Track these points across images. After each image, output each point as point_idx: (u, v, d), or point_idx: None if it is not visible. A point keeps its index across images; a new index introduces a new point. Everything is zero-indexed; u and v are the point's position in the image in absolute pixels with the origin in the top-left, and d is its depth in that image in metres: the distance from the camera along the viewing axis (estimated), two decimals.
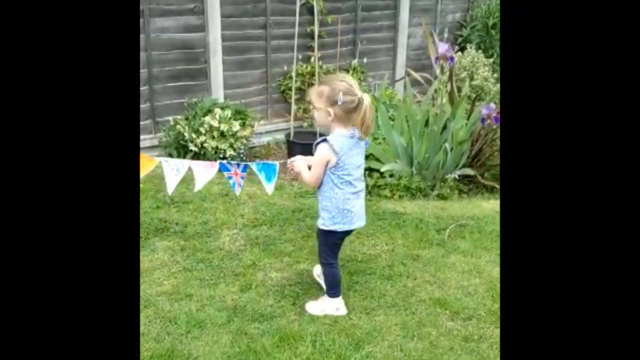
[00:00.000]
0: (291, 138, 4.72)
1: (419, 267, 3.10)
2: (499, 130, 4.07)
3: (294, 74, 4.86)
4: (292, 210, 3.80)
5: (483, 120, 3.64)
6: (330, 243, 2.59)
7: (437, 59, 3.72)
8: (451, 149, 4.00)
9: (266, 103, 5.30)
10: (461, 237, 3.44)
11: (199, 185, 2.59)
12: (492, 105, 3.63)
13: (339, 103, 2.34)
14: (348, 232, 2.60)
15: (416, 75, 4.68)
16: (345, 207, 2.48)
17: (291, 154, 4.76)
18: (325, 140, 2.42)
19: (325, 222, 2.52)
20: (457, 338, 2.49)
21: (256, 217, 3.65)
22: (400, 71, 5.99)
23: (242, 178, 2.67)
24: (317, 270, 2.89)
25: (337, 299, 2.68)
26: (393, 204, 3.89)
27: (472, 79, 5.16)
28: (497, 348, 2.42)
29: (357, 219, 2.56)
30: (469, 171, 4.07)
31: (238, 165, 2.65)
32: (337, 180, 2.45)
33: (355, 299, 2.79)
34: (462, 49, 5.67)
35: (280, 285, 2.88)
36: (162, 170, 2.54)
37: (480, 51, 5.58)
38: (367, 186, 4.11)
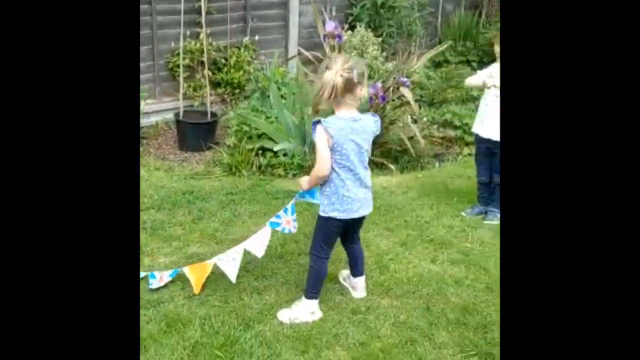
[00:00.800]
0: (181, 118, 4.57)
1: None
2: (386, 108, 4.19)
3: (181, 51, 4.69)
4: (183, 192, 3.70)
5: (371, 99, 3.72)
6: (327, 231, 2.45)
7: (325, 37, 3.75)
8: None
9: (153, 81, 5.08)
10: None
11: (260, 252, 2.70)
12: (379, 84, 3.73)
13: (359, 82, 2.27)
14: (349, 222, 2.45)
15: (307, 53, 4.69)
16: (344, 193, 2.36)
17: (181, 134, 4.61)
18: (318, 122, 2.32)
19: (324, 208, 2.40)
20: (346, 311, 2.56)
21: (143, 201, 3.51)
22: (292, 49, 5.97)
23: (295, 220, 2.73)
24: (344, 274, 2.76)
25: (313, 302, 2.50)
26: (287, 183, 3.90)
27: (361, 57, 5.25)
28: (383, 318, 2.52)
29: (360, 207, 2.42)
30: None
31: (285, 211, 2.72)
32: (335, 165, 2.33)
33: (247, 279, 2.78)
34: (352, 28, 5.74)
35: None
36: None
37: (369, 30, 5.68)
38: (260, 166, 4.09)
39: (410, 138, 4.25)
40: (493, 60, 6.55)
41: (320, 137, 2.31)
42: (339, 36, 3.79)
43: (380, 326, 2.47)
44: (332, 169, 2.34)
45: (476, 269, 2.93)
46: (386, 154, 4.37)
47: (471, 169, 4.29)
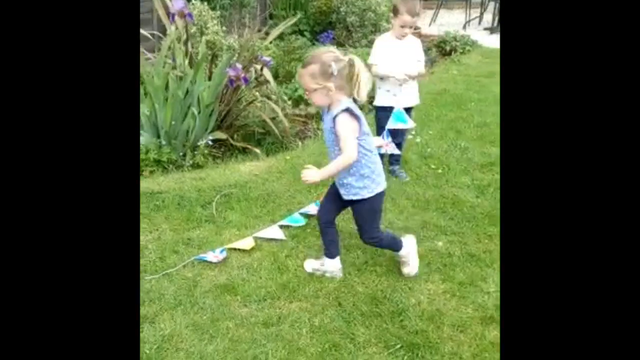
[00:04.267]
0: None
1: (193, 252, 2.81)
2: (245, 90, 3.91)
3: None
4: None
5: (232, 82, 3.41)
6: (378, 208, 2.55)
7: (173, 15, 3.32)
8: (199, 113, 3.70)
9: None
10: (229, 209, 3.23)
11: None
12: (238, 65, 3.43)
13: (335, 74, 2.24)
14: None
15: (146, 32, 4.16)
16: (379, 168, 2.50)
17: None
18: (343, 110, 2.29)
19: (370, 189, 2.46)
20: (257, 326, 2.32)
21: None
22: None
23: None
24: (310, 264, 2.71)
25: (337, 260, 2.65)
26: (146, 183, 3.45)
27: (202, 33, 4.84)
28: (298, 326, 2.33)
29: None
30: (220, 134, 3.85)
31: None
32: (367, 146, 2.40)
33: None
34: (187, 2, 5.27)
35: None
36: None
37: (205, 3, 5.27)
38: None
39: (272, 119, 4.03)
40: (329, 29, 6.54)
41: (350, 124, 2.32)
42: (190, 15, 3.38)
43: (298, 336, 2.28)
44: (367, 150, 2.40)
45: (372, 252, 2.87)
46: (248, 137, 4.11)
47: None
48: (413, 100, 3.64)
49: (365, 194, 2.47)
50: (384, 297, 2.54)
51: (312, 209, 3.15)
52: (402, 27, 3.42)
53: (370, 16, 6.52)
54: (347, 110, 2.30)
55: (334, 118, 2.32)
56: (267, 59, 3.63)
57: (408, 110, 3.59)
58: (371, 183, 2.47)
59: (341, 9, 6.54)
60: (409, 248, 2.67)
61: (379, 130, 3.60)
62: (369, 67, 3.46)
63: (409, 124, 3.39)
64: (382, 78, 3.51)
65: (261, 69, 3.73)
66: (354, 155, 2.33)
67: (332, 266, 2.65)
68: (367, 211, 2.54)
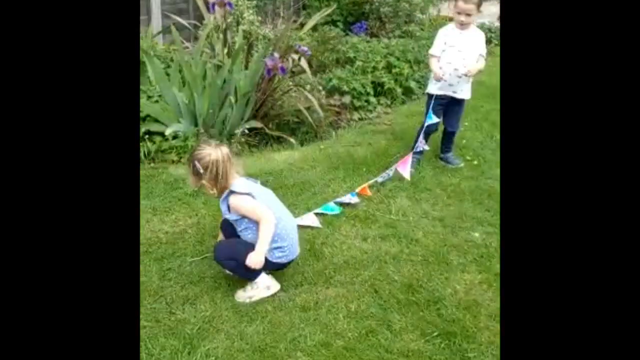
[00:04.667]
0: None
1: None
2: (281, 80, 3.94)
3: None
4: None
5: (269, 71, 3.45)
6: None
7: (213, 5, 3.36)
8: (235, 102, 3.75)
9: None
10: None
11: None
12: (276, 55, 3.46)
13: (202, 172, 2.34)
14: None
15: (184, 21, 4.22)
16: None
17: None
18: (228, 194, 2.38)
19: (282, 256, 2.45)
20: (295, 309, 2.36)
21: None
22: (156, 17, 5.38)
23: None
24: (240, 296, 2.45)
25: (263, 275, 2.42)
26: (184, 169, 3.51)
27: (238, 23, 4.89)
28: (335, 311, 2.36)
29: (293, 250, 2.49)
30: (256, 123, 3.89)
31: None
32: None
33: (173, 289, 2.45)
34: None
35: None
36: None
37: None
38: (149, 152, 3.64)
39: (307, 108, 4.06)
40: (362, 20, 6.54)
41: (241, 201, 2.36)
42: (229, 3, 3.42)
43: (335, 321, 2.31)
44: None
45: (407, 241, 2.88)
46: (283, 127, 4.14)
47: (368, 135, 4.26)
48: (467, 93, 3.65)
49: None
50: (420, 285, 2.55)
51: (348, 198, 3.18)
52: (458, 14, 3.43)
53: (404, 7, 6.48)
54: (232, 192, 2.36)
55: (228, 204, 2.40)
56: (305, 48, 3.65)
57: (460, 102, 3.59)
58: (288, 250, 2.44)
59: (374, 0, 6.52)
60: (264, 283, 2.42)
61: (425, 114, 3.65)
62: (429, 57, 3.60)
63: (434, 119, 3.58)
64: (441, 67, 3.51)
65: (299, 59, 3.75)
66: (271, 217, 2.32)
67: (262, 282, 2.41)
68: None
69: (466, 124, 4.42)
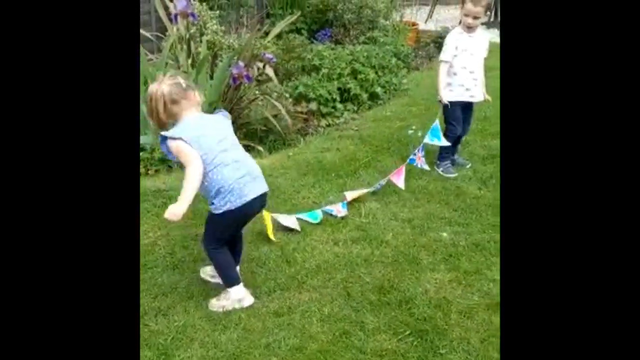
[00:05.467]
0: None
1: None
2: (247, 88, 3.95)
3: None
4: None
5: (235, 80, 3.45)
6: (230, 224, 2.39)
7: (175, 16, 3.36)
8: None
9: None
10: None
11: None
12: (241, 63, 3.47)
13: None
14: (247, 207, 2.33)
15: (146, 34, 4.20)
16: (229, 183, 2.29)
17: None
18: (165, 137, 2.29)
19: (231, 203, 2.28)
20: (268, 315, 2.37)
21: None
22: None
23: None
24: (214, 306, 2.41)
25: (237, 287, 2.39)
26: (152, 181, 3.49)
27: (202, 34, 4.88)
28: (309, 315, 2.38)
29: (249, 190, 2.31)
30: None
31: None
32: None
33: (144, 301, 2.43)
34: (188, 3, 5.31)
35: None
36: None
37: (204, 4, 5.30)
38: None
39: (274, 116, 4.07)
40: (327, 27, 6.59)
41: (176, 145, 2.25)
42: (193, 14, 3.43)
43: (308, 325, 2.32)
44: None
45: (377, 243, 2.92)
46: (251, 135, 4.15)
47: (336, 141, 4.29)
48: (481, 95, 3.70)
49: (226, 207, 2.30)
50: (391, 286, 2.59)
51: (338, 208, 3.19)
52: (466, 16, 3.45)
53: (367, 13, 6.56)
54: (165, 137, 2.27)
55: (167, 146, 2.30)
56: (270, 56, 3.68)
57: (472, 105, 3.71)
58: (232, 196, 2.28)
59: (338, 7, 6.58)
60: (237, 295, 2.39)
61: (448, 125, 3.68)
62: (440, 64, 3.61)
63: (443, 141, 3.54)
64: (455, 73, 3.53)
65: (264, 67, 3.77)
66: (196, 164, 2.21)
67: (235, 294, 2.39)
68: (216, 222, 2.36)
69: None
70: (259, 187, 2.37)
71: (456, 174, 3.68)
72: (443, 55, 3.58)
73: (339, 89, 4.95)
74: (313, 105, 4.60)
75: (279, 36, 6.15)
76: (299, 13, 5.48)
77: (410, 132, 4.41)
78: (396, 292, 2.55)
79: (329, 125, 4.68)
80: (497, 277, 2.67)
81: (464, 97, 3.61)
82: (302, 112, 4.49)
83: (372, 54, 5.39)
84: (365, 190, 3.36)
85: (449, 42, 3.56)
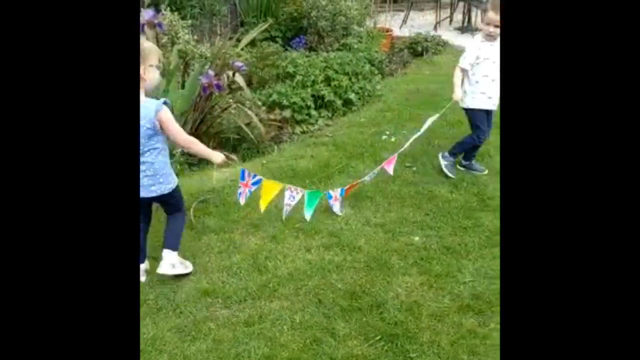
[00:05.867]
0: None
1: None
2: (219, 97, 3.94)
3: None
4: None
5: (205, 89, 3.44)
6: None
7: (142, 26, 3.34)
8: None
9: None
10: (207, 214, 3.26)
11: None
12: (210, 72, 3.46)
13: None
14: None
15: None
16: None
17: None
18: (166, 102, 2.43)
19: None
20: (238, 325, 2.36)
21: None
22: None
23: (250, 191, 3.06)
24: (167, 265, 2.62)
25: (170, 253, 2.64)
26: None
27: (173, 43, 4.86)
28: (279, 323, 2.37)
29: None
30: None
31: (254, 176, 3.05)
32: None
33: None
34: (157, 12, 5.28)
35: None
36: None
37: (175, 13, 5.28)
38: None
39: (247, 124, 4.07)
40: (301, 34, 6.61)
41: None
42: (160, 24, 3.41)
43: (279, 333, 2.31)
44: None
45: (350, 249, 2.92)
46: (224, 144, 4.14)
47: (310, 148, 4.30)
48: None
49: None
50: (363, 291, 2.59)
51: (336, 194, 3.26)
52: (487, 24, 3.44)
53: (340, 20, 6.59)
54: (166, 103, 2.44)
55: (157, 113, 2.38)
56: (240, 64, 3.67)
57: (493, 112, 3.69)
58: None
59: (312, 14, 6.61)
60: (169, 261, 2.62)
61: (475, 129, 3.69)
62: (460, 71, 3.59)
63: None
64: (477, 81, 3.53)
65: (233, 75, 3.76)
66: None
67: (167, 259, 2.63)
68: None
69: (404, 131, 4.52)
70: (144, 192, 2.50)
71: (454, 177, 3.71)
72: (462, 62, 3.55)
73: (312, 96, 4.96)
74: (287, 113, 4.60)
75: (253, 44, 6.16)
76: (271, 21, 5.49)
77: (384, 137, 4.44)
78: (368, 297, 2.55)
79: (303, 133, 4.68)
80: (467, 279, 2.69)
81: (487, 105, 3.59)
82: (275, 120, 4.49)
83: (346, 60, 5.42)
84: (359, 180, 3.39)
85: (470, 50, 3.55)
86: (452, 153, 3.78)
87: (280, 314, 2.42)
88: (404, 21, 8.72)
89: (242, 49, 5.77)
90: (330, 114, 5.02)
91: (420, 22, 8.92)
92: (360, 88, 5.32)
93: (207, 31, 6.26)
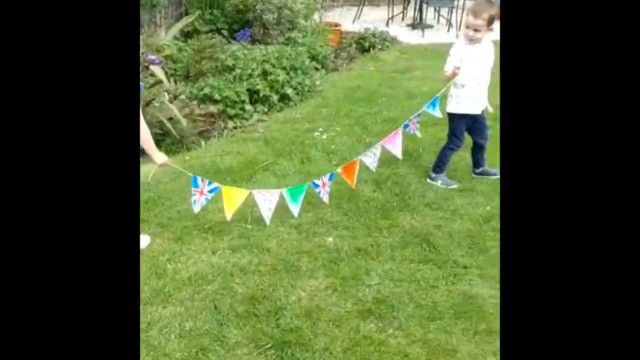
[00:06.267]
0: None
1: None
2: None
3: None
4: None
5: None
6: None
7: None
8: None
9: None
10: None
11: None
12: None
13: None
14: None
15: None
16: None
17: None
18: None
19: None
20: None
21: None
22: None
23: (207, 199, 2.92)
24: None
25: None
26: None
27: None
28: (167, 331, 2.26)
29: None
30: None
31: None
32: None
33: None
34: None
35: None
36: None
37: None
38: None
39: (170, 119, 3.92)
40: (243, 27, 6.46)
41: None
42: None
43: (165, 342, 2.20)
44: None
45: (259, 251, 2.82)
46: None
47: (239, 144, 4.18)
48: (485, 103, 3.57)
49: None
50: (263, 296, 2.50)
51: (324, 180, 3.18)
52: (467, 27, 3.34)
53: (286, 13, 6.47)
54: None
55: None
56: (153, 57, 3.52)
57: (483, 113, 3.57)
58: None
59: (257, 7, 6.47)
60: None
61: (453, 137, 3.56)
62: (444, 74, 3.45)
63: (437, 112, 3.40)
64: (463, 85, 3.40)
65: (147, 68, 3.61)
66: None
67: None
68: None
69: (337, 129, 4.44)
70: None
71: (456, 185, 3.59)
72: (448, 67, 3.42)
73: (248, 90, 4.84)
74: (214, 108, 4.47)
75: (189, 36, 6.00)
76: (198, 12, 5.33)
77: (316, 134, 4.35)
78: (268, 302, 2.46)
79: (235, 128, 4.55)
80: (374, 282, 2.62)
81: (472, 110, 3.47)
82: (203, 115, 4.35)
83: (285, 54, 5.30)
84: (356, 159, 3.29)
85: (453, 54, 3.42)
86: (439, 170, 3.63)
87: (170, 321, 2.31)
88: (357, 16, 8.64)
89: (178, 39, 5.61)
90: (266, 109, 4.90)
91: (373, 18, 8.85)
92: (299, 83, 5.21)
93: (146, 22, 6.06)
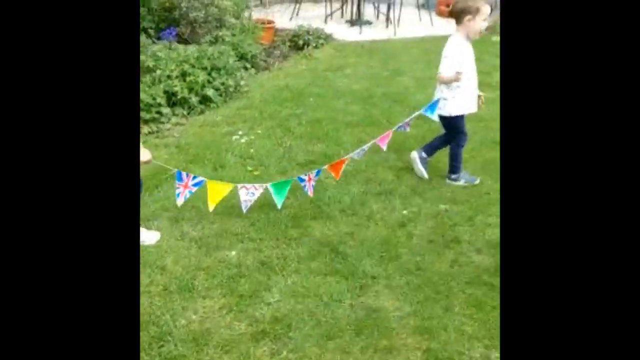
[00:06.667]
0: None
1: None
2: None
3: None
4: None
5: None
6: None
7: None
8: None
9: None
10: None
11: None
12: None
13: None
14: None
15: None
16: None
17: None
18: None
19: None
20: None
21: None
22: None
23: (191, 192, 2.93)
24: None
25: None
26: None
27: None
28: None
29: None
30: None
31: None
32: None
33: None
34: None
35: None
36: None
37: None
38: None
39: None
40: (174, 26, 6.18)
41: None
42: None
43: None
44: None
45: (152, 270, 2.61)
46: None
47: (151, 151, 3.92)
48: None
49: None
50: (150, 321, 2.29)
51: (310, 175, 3.14)
52: (485, 20, 3.21)
53: (213, 11, 6.23)
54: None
55: None
56: None
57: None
58: None
59: (182, 4, 6.20)
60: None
61: (459, 134, 3.44)
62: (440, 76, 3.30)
63: (435, 116, 3.28)
64: (459, 85, 3.22)
65: None
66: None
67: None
68: None
69: (258, 131, 4.25)
70: None
71: (477, 181, 3.52)
72: (444, 70, 3.23)
73: (166, 92, 4.59)
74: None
75: None
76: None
77: (235, 137, 4.14)
78: (153, 327, 2.25)
79: (151, 133, 4.30)
80: (274, 299, 2.45)
81: (473, 108, 3.37)
82: None
83: (206, 54, 5.07)
84: (346, 157, 3.22)
85: (451, 56, 3.21)
86: (456, 169, 3.50)
87: None
88: (296, 13, 8.46)
89: None
90: (186, 112, 4.66)
91: (312, 14, 8.68)
92: (222, 84, 4.99)
93: None
